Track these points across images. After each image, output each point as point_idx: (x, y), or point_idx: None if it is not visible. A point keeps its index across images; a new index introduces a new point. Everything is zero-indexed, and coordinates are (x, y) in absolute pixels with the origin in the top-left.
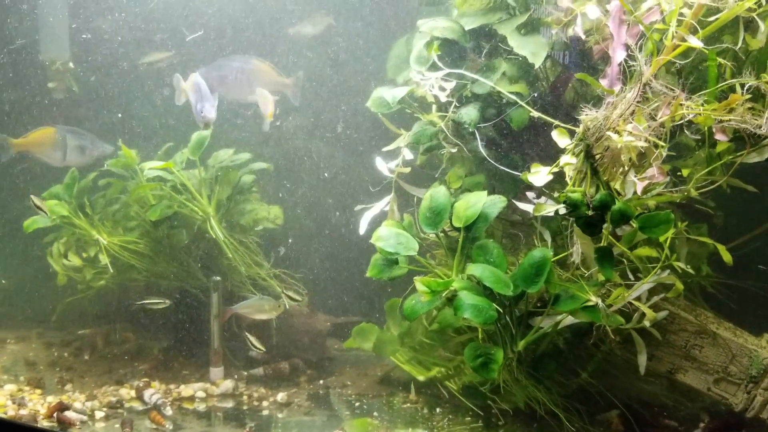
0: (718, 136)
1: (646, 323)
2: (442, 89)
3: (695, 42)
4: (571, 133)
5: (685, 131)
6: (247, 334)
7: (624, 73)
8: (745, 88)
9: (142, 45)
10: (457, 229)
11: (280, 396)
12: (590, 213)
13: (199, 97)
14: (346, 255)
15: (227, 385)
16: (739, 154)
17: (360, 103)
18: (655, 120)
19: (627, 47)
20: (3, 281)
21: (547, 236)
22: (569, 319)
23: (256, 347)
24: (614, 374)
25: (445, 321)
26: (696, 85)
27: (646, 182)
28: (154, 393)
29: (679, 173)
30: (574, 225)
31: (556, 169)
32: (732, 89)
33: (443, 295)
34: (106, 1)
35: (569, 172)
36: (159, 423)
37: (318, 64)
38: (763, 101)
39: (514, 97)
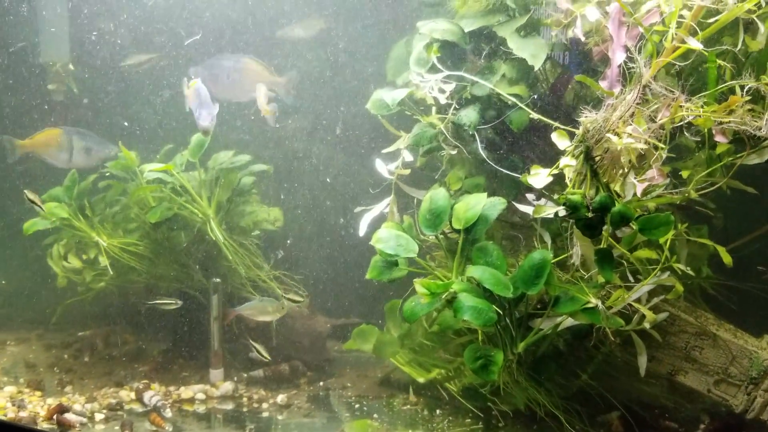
0: (718, 138)
1: (646, 325)
2: (442, 91)
3: (695, 44)
4: (571, 135)
5: (685, 133)
6: (252, 341)
7: (624, 75)
8: (745, 90)
9: (142, 45)
10: (457, 231)
11: (280, 398)
12: (590, 215)
13: (198, 104)
14: (345, 257)
15: (227, 386)
16: (738, 155)
17: (360, 105)
18: (655, 122)
19: (626, 49)
20: (3, 282)
21: (547, 238)
22: (569, 321)
23: (262, 355)
24: (614, 376)
25: (445, 323)
26: (696, 87)
27: (646, 184)
28: (153, 395)
29: (679, 174)
30: (574, 227)
31: (555, 171)
32: (732, 91)
33: (443, 297)
34: (106, 3)
35: (569, 174)
36: (159, 425)
37: (318, 66)
38: (762, 103)
39: (513, 99)
